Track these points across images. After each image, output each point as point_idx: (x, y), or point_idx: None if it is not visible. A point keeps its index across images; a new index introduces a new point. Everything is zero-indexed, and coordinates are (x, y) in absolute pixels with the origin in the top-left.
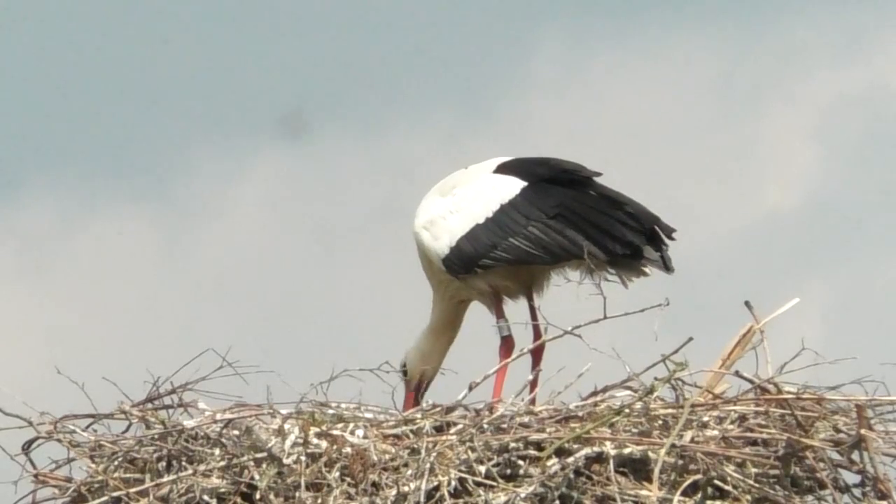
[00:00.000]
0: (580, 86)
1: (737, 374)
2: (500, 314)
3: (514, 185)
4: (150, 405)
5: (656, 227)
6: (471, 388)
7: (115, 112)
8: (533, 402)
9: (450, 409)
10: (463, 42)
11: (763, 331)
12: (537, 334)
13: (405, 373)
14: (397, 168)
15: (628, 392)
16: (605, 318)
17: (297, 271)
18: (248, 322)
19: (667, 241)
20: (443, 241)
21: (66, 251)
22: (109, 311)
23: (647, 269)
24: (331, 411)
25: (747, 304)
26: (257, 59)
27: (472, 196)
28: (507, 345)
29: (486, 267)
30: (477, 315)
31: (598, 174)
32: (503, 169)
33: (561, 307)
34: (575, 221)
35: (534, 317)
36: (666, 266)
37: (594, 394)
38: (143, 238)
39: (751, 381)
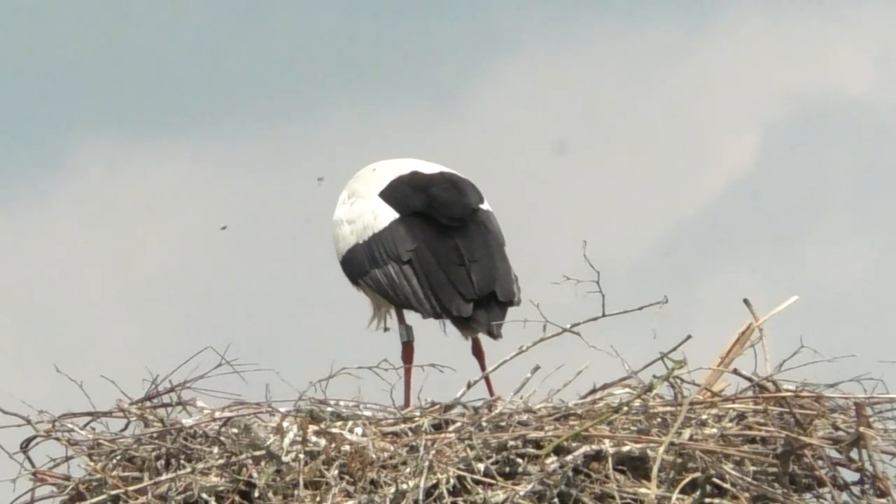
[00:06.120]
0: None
1: (735, 371)
2: (400, 320)
3: (386, 217)
4: (148, 403)
5: (495, 291)
6: (469, 387)
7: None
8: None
9: (448, 407)
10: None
11: (762, 328)
12: (477, 347)
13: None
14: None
15: (627, 390)
16: (604, 315)
17: (296, 269)
18: (246, 320)
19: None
20: (340, 244)
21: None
22: (108, 308)
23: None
24: (329, 409)
25: (746, 301)
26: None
27: (359, 214)
28: (406, 351)
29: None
30: None
31: (475, 207)
32: (392, 188)
33: (559, 304)
34: (420, 273)
35: None
36: (491, 333)
37: (593, 391)
38: None
39: (749, 379)
